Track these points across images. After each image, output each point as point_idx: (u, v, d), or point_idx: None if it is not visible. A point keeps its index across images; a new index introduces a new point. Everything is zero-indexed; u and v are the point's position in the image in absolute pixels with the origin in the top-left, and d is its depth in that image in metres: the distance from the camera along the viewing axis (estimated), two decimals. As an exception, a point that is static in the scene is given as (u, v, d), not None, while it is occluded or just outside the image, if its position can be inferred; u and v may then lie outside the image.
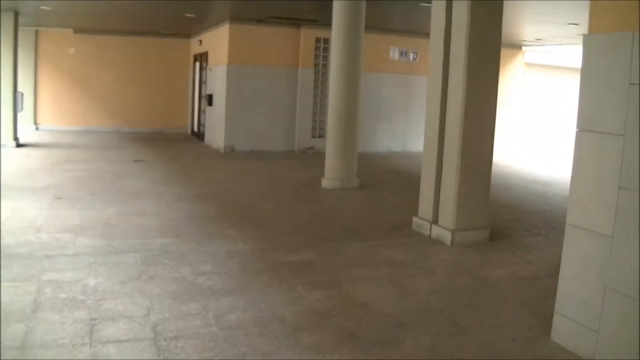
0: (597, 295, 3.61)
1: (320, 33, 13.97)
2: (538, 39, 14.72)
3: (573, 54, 26.27)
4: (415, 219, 7.12)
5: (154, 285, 4.77)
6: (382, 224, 7.40)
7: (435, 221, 6.80)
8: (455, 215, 6.48)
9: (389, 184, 10.71)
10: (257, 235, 6.59)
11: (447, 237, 6.49)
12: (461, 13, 6.33)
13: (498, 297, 4.96)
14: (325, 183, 9.80)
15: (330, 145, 9.77)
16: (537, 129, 21.63)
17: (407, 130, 15.67)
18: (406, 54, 15.28)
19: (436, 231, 6.70)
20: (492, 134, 6.64)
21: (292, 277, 5.16)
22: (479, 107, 6.45)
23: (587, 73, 3.68)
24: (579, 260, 3.78)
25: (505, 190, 10.19)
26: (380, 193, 9.64)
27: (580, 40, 14.25)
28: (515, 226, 7.56)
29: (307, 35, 14.28)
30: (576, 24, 10.98)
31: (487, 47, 6.44)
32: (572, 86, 26.86)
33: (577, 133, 3.75)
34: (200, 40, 16.90)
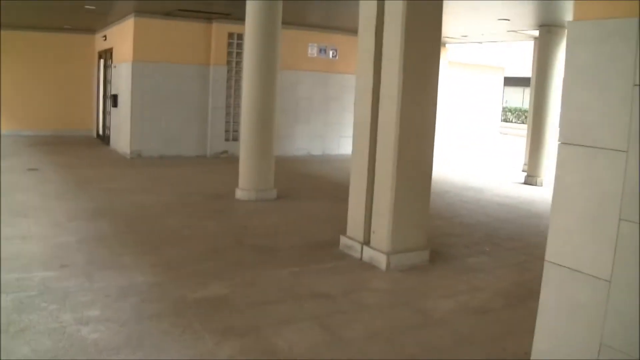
0: (588, 352, 2.91)
1: (234, 28, 13.08)
2: (464, 36, 14.35)
3: (495, 51, 26.55)
4: (343, 239, 6.34)
5: (23, 343, 3.74)
6: (305, 244, 6.58)
7: (366, 242, 6.04)
8: (390, 235, 5.75)
9: (310, 192, 9.90)
10: (158, 262, 5.63)
11: (381, 260, 5.74)
12: (395, 5, 5.60)
13: (449, 339, 4.23)
14: (240, 194, 8.89)
15: (245, 152, 8.88)
16: (461, 128, 21.56)
17: (327, 132, 15.02)
18: (325, 51, 14.65)
19: (368, 253, 5.94)
20: (431, 139, 5.96)
21: (198, 322, 4.24)
22: (417, 110, 5.75)
23: (574, 71, 2.97)
24: (562, 307, 3.08)
25: (437, 198, 9.58)
26: (300, 204, 8.82)
27: (508, 36, 14.29)
28: (454, 243, 6.92)
29: (220, 30, 13.34)
30: (507, 20, 10.58)
31: (426, 43, 5.76)
32: (493, 84, 27.28)
33: (561, 147, 3.04)
34: (105, 36, 15.67)
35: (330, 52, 14.75)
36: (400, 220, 5.79)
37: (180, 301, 4.65)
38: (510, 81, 34.56)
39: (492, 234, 7.44)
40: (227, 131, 13.73)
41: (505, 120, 34.53)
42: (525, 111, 34.41)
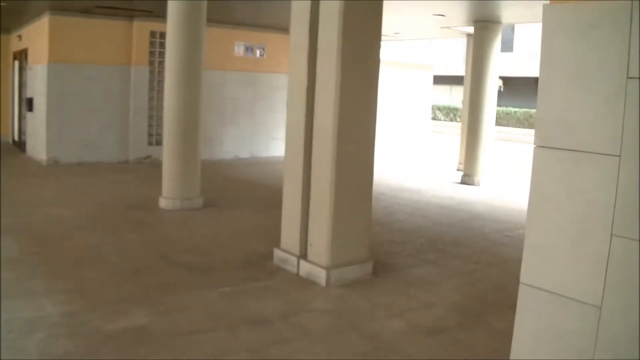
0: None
1: (156, 26, 12.31)
2: (396, 33, 14.10)
3: (424, 50, 26.62)
4: (277, 252, 5.85)
5: None
6: (236, 259, 6.04)
7: (303, 255, 5.57)
8: (329, 247, 5.30)
9: (239, 199, 9.33)
10: (72, 287, 4.99)
11: (320, 275, 5.29)
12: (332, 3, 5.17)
13: (404, 368, 3.81)
14: (164, 203, 8.26)
15: (168, 158, 8.26)
16: (393, 127, 21.44)
17: (255, 133, 14.48)
18: (252, 49, 14.11)
19: (306, 268, 5.47)
20: (372, 142, 5.55)
21: (114, 362, 3.67)
22: (356, 111, 5.33)
23: (552, 62, 2.58)
24: (542, 336, 2.68)
25: (374, 202, 9.15)
26: (229, 213, 8.25)
27: (441, 33, 14.12)
28: (397, 251, 6.53)
29: (141, 29, 12.58)
30: (442, 15, 10.33)
31: (365, 42, 5.35)
32: (423, 82, 27.37)
33: (537, 151, 2.66)
34: (20, 36, 14.60)
35: (258, 51, 14.25)
36: (340, 230, 5.35)
37: (95, 335, 4.05)
38: (438, 79, 34.90)
39: (436, 240, 7.11)
40: (150, 135, 12.98)
41: (435, 118, 34.78)
42: (454, 109, 34.83)
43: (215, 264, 5.86)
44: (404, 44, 22.53)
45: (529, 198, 2.73)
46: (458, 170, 13.70)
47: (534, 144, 2.68)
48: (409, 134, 25.06)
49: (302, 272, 5.50)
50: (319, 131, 5.39)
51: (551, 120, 2.58)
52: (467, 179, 11.72)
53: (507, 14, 10.41)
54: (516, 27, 28.72)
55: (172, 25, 8.05)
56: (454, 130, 30.30)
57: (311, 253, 5.49)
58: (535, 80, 28.29)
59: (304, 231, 5.59)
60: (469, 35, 13.34)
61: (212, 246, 6.54)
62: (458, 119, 34.83)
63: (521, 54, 32.40)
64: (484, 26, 11.22)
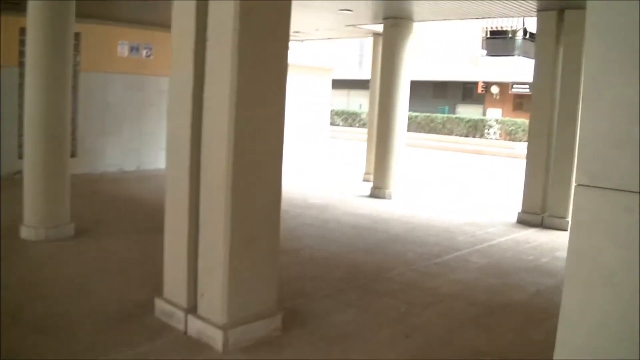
0: None
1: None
2: (297, 32, 13.00)
3: (322, 52, 25.81)
4: (159, 303, 4.55)
5: None
6: (107, 311, 4.67)
7: (193, 309, 4.31)
8: (226, 299, 4.07)
9: (120, 224, 7.83)
10: None
11: (215, 337, 4.04)
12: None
13: None
14: (25, 232, 6.72)
15: (29, 176, 6.79)
16: (292, 134, 20.44)
17: (142, 143, 12.93)
18: (138, 49, 12.60)
19: (197, 326, 4.21)
20: (279, 160, 4.35)
21: None
22: (259, 122, 4.14)
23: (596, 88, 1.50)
24: None
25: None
26: (107, 243, 6.78)
27: (345, 32, 13.05)
28: (311, 291, 5.36)
29: (9, 24, 10.74)
30: (350, 10, 9.31)
31: (269, 41, 4.18)
32: (322, 86, 26.57)
33: (579, 191, 1.58)
34: None
35: (144, 51, 12.76)
36: (240, 275, 4.13)
37: None
38: (335, 83, 34.24)
39: (355, 272, 6.01)
40: (20, 146, 11.16)
41: (333, 123, 34.10)
42: (353, 114, 34.27)
43: (78, 319, 4.47)
44: (302, 46, 21.65)
45: (569, 261, 1.87)
46: (365, 181, 12.76)
47: (575, 182, 1.59)
48: (308, 140, 24.13)
49: (192, 331, 4.24)
50: (208, 150, 4.16)
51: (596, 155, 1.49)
52: (377, 192, 10.76)
53: (420, 10, 9.53)
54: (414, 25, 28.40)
55: (34, 19, 6.59)
56: (353, 136, 29.69)
57: (203, 306, 4.24)
58: (434, 83, 28.02)
59: (192, 277, 4.33)
60: (376, 34, 12.43)
61: (77, 292, 5.11)
62: (357, 124, 34.31)
63: (419, 55, 32.25)
64: (395, 23, 10.30)
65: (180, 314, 4.33)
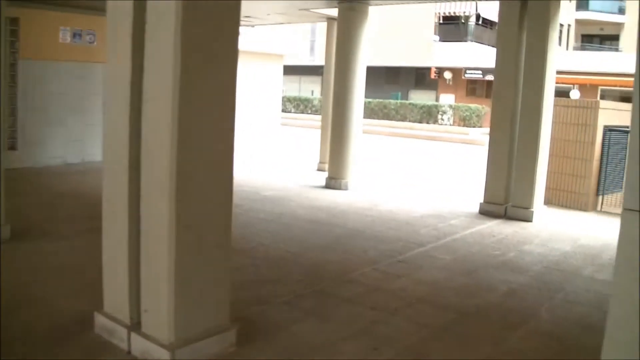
0: None
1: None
2: (247, 17, 12.45)
3: (272, 38, 25.29)
4: (99, 318, 4.05)
5: None
6: (40, 329, 4.13)
7: (136, 325, 3.82)
8: (173, 315, 3.59)
9: (60, 223, 7.15)
10: None
11: (162, 357, 3.57)
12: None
13: None
14: (-52, 238, 6.10)
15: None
16: (242, 122, 19.96)
17: (87, 134, 12.20)
18: (81, 35, 11.86)
19: (140, 345, 3.73)
20: (229, 157, 3.89)
21: None
22: (206, 117, 3.66)
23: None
24: None
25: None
26: (45, 247, 6.15)
27: (297, 17, 12.54)
28: (267, 297, 4.91)
29: None
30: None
31: (217, 24, 3.71)
32: (273, 73, 26.04)
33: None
34: None
35: (87, 37, 12.02)
36: (188, 289, 3.67)
37: None
38: (287, 70, 33.72)
39: (315, 274, 5.59)
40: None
41: (285, 110, 33.58)
42: (305, 100, 33.81)
43: (5, 340, 3.93)
44: (253, 32, 21.14)
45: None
46: (319, 170, 12.36)
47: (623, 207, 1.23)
48: (260, 128, 23.69)
49: (136, 351, 3.76)
50: (150, 141, 3.66)
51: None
52: (333, 183, 10.36)
53: (376, -8, 9.12)
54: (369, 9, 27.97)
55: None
56: (305, 123, 29.24)
57: (147, 323, 3.76)
58: (386, 69, 27.69)
59: (135, 289, 3.84)
60: (330, 18, 11.97)
61: (5, 307, 4.55)
62: (309, 111, 33.87)
63: (372, 41, 31.94)
64: (351, 7, 9.87)
65: (123, 331, 3.84)
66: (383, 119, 30.43)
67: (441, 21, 34.54)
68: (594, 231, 8.06)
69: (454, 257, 6.41)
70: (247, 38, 23.79)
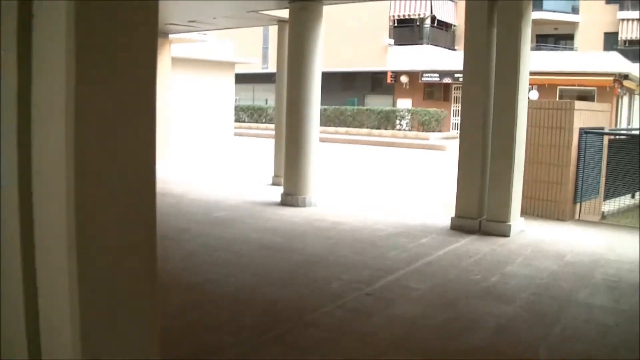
0: None
1: None
2: (192, 21, 11.57)
3: (223, 47, 24.51)
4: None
5: None
6: None
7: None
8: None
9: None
10: None
11: None
12: None
13: None
14: None
15: None
16: (191, 135, 19.19)
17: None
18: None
19: None
20: (148, 187, 3.02)
21: None
22: (114, 141, 2.79)
23: None
24: None
25: (173, 245, 6.65)
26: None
27: (246, 20, 11.59)
28: (215, 347, 4.05)
29: None
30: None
31: (124, 25, 2.84)
32: (225, 82, 25.33)
33: None
34: None
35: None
36: (97, 342, 2.79)
37: None
38: (240, 78, 32.88)
39: (271, 314, 4.76)
40: None
41: (238, 120, 32.69)
42: (259, 109, 32.96)
43: None
44: (203, 40, 20.37)
45: None
46: (275, 185, 11.53)
47: None
48: (211, 140, 22.86)
49: None
50: (41, 173, 2.79)
51: None
52: (290, 200, 9.53)
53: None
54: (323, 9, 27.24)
55: None
56: (259, 132, 28.42)
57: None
58: (341, 75, 27.07)
59: (35, 340, 2.96)
60: (281, 21, 11.17)
61: None
62: (264, 120, 33.01)
63: (324, 45, 31.28)
64: (303, 7, 9.05)
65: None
66: (340, 126, 29.75)
67: (396, 24, 34.06)
68: (577, 245, 7.39)
69: (430, 285, 5.65)
70: (197, 46, 22.93)
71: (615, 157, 9.63)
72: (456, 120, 31.22)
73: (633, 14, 34.38)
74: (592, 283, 5.81)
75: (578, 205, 8.96)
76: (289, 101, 9.61)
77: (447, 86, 31.87)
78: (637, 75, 29.27)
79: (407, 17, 33.52)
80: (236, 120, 31.49)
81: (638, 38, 34.14)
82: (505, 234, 7.54)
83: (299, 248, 6.95)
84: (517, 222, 7.80)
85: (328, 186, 11.54)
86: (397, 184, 13.37)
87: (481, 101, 7.68)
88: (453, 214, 8.06)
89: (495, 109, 7.63)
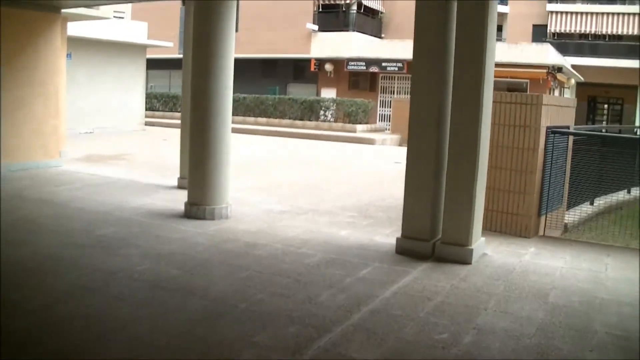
0: None
1: None
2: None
3: (134, 27, 22.63)
4: None
5: None
6: None
7: None
8: None
9: None
10: None
11: None
12: None
13: None
14: None
15: None
16: (93, 123, 17.19)
17: None
18: None
19: None
20: None
21: None
22: None
23: None
24: None
25: (50, 280, 4.76)
26: None
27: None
28: None
29: None
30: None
31: None
32: (134, 66, 23.54)
33: None
34: None
35: None
36: None
37: None
38: (155, 63, 30.57)
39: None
40: None
41: (152, 108, 30.41)
42: (174, 97, 30.71)
43: None
44: (110, 20, 18.36)
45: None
46: (180, 187, 9.71)
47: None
48: (115, 129, 20.79)
49: None
50: None
51: None
52: (194, 211, 7.71)
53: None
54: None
55: None
56: (174, 122, 26.34)
57: None
58: (262, 61, 25.25)
59: None
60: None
61: None
62: (178, 109, 30.77)
63: (243, 30, 29.35)
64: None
65: None
66: (260, 116, 27.92)
67: (320, 9, 32.38)
68: (555, 276, 5.81)
69: (381, 352, 4.00)
70: (102, 25, 20.70)
71: (580, 160, 8.32)
72: (384, 111, 29.90)
73: (562, 6, 34.00)
74: (594, 340, 4.31)
75: (543, 218, 7.53)
76: (193, 92, 7.75)
77: (373, 75, 30.46)
78: (570, 69, 28.76)
79: (332, 2, 31.90)
80: (149, 109, 29.17)
81: (567, 31, 33.82)
82: (466, 260, 5.98)
83: (201, 287, 5.17)
84: (478, 244, 6.25)
85: (243, 188, 9.81)
86: (325, 184, 11.75)
87: (436, 90, 6.09)
88: (398, 232, 6.48)
89: (454, 105, 6.03)
